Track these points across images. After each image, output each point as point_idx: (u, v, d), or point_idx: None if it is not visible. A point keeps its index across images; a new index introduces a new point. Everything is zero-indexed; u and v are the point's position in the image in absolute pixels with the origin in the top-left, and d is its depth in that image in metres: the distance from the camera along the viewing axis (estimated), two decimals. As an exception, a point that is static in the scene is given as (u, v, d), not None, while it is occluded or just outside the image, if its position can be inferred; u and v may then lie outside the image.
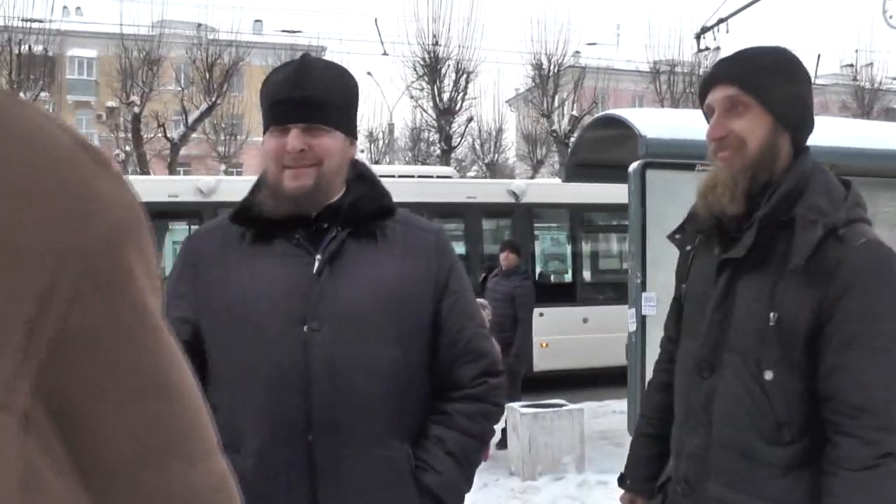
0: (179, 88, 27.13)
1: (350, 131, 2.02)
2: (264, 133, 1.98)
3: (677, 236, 2.22)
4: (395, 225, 2.03)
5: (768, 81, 1.92)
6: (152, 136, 25.07)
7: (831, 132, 7.97)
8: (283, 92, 1.92)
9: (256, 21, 41.04)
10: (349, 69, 2.07)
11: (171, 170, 23.79)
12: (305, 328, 1.85)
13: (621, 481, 2.39)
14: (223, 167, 30.26)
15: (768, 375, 1.83)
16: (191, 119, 24.85)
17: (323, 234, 1.95)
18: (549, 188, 14.24)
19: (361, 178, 2.06)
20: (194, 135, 26.31)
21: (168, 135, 24.31)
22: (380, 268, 1.95)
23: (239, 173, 34.82)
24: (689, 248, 2.16)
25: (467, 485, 2.03)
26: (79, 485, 0.58)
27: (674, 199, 6.54)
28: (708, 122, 2.02)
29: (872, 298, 1.77)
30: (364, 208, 2.00)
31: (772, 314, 1.82)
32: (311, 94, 1.91)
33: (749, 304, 1.88)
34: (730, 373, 1.90)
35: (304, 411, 1.83)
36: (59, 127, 0.59)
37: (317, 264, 1.91)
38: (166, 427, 0.63)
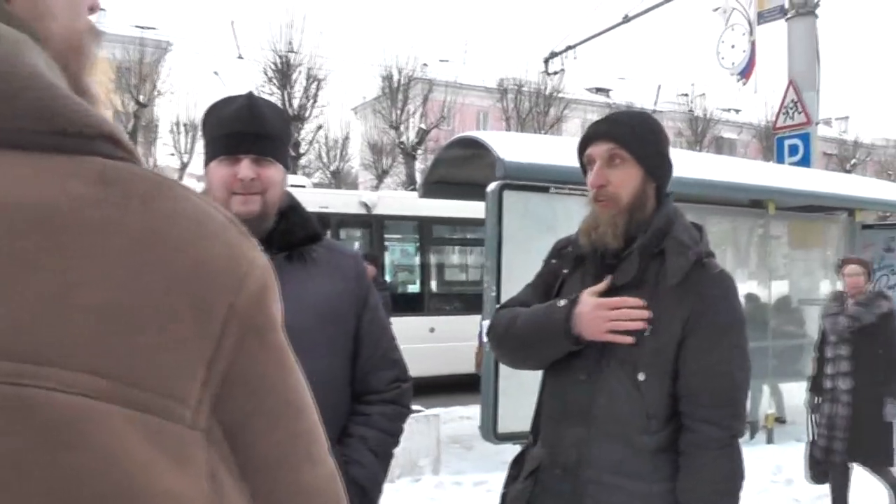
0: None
1: (286, 164, 2.26)
2: (208, 162, 2.18)
3: (553, 261, 2.56)
4: (321, 249, 2.28)
5: (641, 140, 2.33)
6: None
7: (686, 164, 8.66)
8: (236, 125, 2.13)
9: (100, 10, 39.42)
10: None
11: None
12: None
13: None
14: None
15: (641, 377, 2.22)
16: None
17: None
18: (400, 201, 14.55)
19: (291, 207, 2.28)
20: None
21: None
22: (312, 289, 2.18)
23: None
24: (565, 271, 2.50)
25: (385, 477, 2.32)
26: (243, 482, 0.78)
27: (528, 217, 7.00)
28: (584, 172, 2.42)
29: (725, 316, 2.23)
30: (296, 234, 2.22)
31: (647, 327, 2.22)
32: (261, 129, 2.13)
33: None
34: (609, 375, 2.26)
35: None
36: (214, 207, 0.79)
37: None
38: (299, 437, 0.84)
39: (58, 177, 0.69)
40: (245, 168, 2.10)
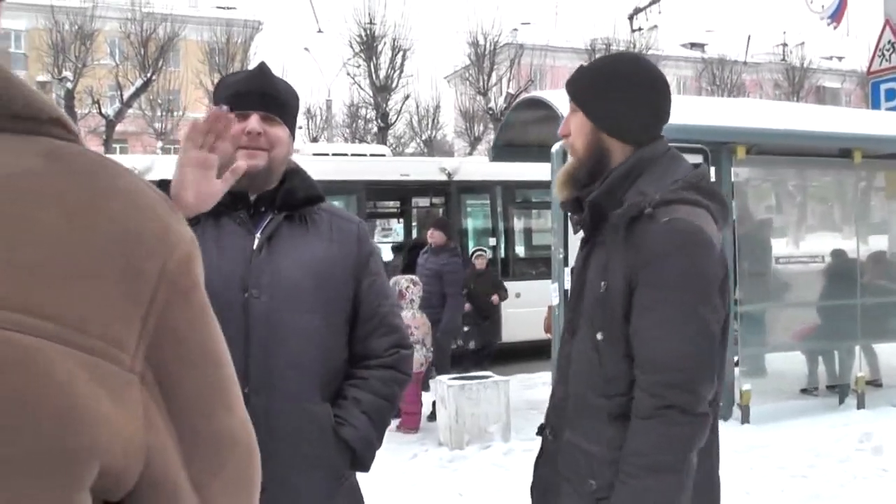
0: (114, 63, 26.76)
1: (293, 131, 2.33)
2: None
3: (574, 217, 2.44)
4: (323, 213, 2.34)
5: (587, 93, 2.22)
6: (87, 112, 24.74)
7: (765, 115, 8.32)
8: (247, 85, 2.24)
9: (192, -6, 40.32)
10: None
11: (107, 147, 23.45)
12: (247, 294, 2.13)
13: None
14: (160, 144, 29.92)
15: (599, 336, 2.11)
16: (126, 95, 24.52)
17: (261, 217, 2.24)
18: (481, 166, 14.36)
19: (293, 171, 2.33)
20: (130, 111, 25.97)
21: (103, 111, 23.99)
22: (309, 249, 2.25)
23: (176, 150, 34.21)
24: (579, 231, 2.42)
25: (378, 441, 2.32)
26: (170, 423, 0.88)
27: (593, 178, 6.78)
28: None
29: (666, 270, 2.01)
30: (297, 196, 2.28)
31: (602, 283, 2.11)
32: (271, 90, 2.24)
33: (592, 276, 2.17)
34: (581, 334, 2.19)
35: (242, 367, 2.05)
36: (147, 185, 0.91)
37: (257, 241, 2.20)
38: (218, 385, 0.95)
39: (10, 153, 0.81)
40: (253, 122, 2.18)
